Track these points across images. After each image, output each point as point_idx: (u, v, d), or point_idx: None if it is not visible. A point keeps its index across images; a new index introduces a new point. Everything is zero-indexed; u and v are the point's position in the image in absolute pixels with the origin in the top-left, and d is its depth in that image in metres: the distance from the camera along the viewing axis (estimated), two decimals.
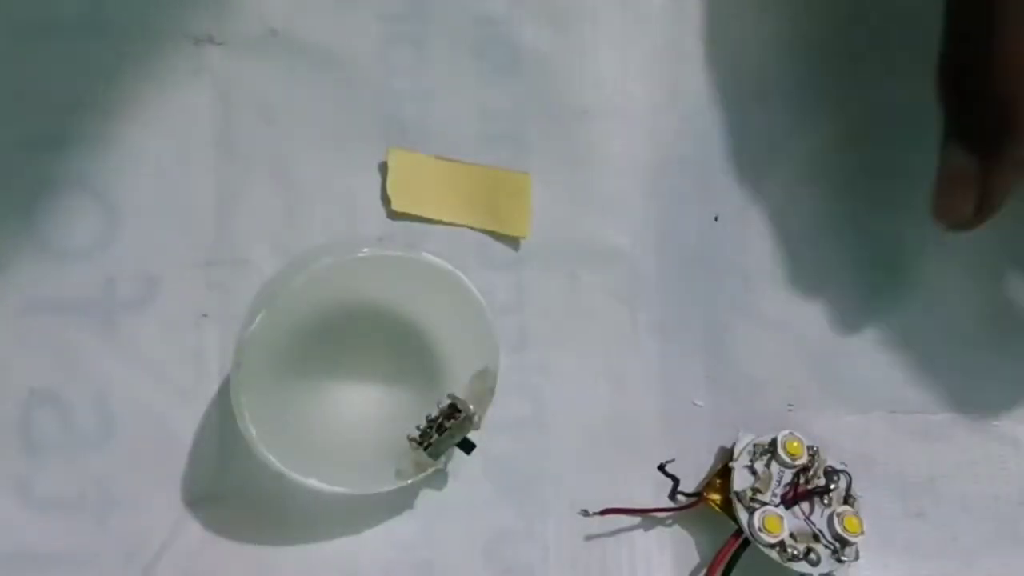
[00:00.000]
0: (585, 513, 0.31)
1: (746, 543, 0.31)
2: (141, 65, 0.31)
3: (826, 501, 0.32)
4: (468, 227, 0.32)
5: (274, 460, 0.28)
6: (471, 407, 0.29)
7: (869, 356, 0.34)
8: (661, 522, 0.32)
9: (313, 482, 0.29)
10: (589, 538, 0.32)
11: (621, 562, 0.32)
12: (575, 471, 0.32)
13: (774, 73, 0.33)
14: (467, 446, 0.30)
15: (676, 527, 0.32)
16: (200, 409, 0.30)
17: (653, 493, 0.32)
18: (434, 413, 0.29)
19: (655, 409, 0.33)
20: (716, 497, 0.32)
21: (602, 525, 0.32)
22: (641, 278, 0.33)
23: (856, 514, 0.32)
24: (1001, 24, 0.27)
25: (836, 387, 0.34)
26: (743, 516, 0.31)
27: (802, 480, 0.32)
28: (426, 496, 0.31)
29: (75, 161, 0.30)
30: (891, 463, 0.32)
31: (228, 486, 0.30)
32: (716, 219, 0.33)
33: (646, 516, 0.32)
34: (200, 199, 0.31)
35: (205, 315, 0.31)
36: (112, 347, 0.30)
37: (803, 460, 0.32)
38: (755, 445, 0.32)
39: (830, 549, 0.31)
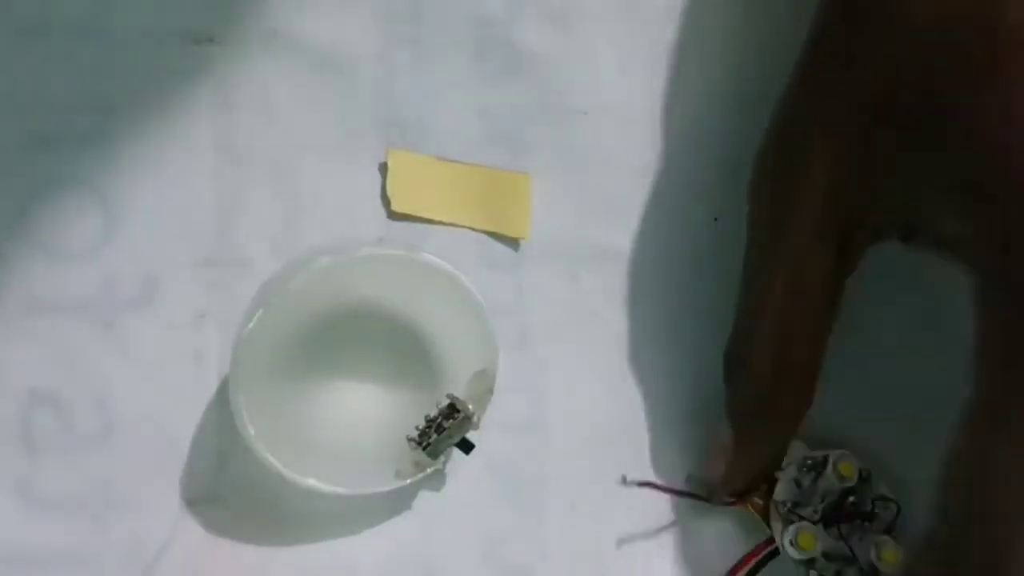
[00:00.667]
0: (624, 481, 0.31)
1: (775, 552, 0.31)
2: (141, 65, 0.31)
3: (867, 527, 0.31)
4: (468, 228, 0.32)
5: (272, 460, 0.28)
6: (470, 407, 0.29)
7: (873, 361, 0.34)
8: (662, 524, 0.32)
9: (312, 482, 0.29)
10: (589, 538, 0.32)
11: (621, 562, 0.32)
12: (575, 471, 0.32)
13: (775, 73, 0.33)
14: (466, 446, 0.30)
15: (678, 529, 0.32)
16: (200, 409, 0.30)
17: (654, 493, 0.32)
18: (433, 413, 0.29)
19: (655, 409, 0.33)
20: (758, 502, 0.31)
21: (602, 525, 0.32)
22: (641, 278, 0.33)
23: (896, 547, 0.31)
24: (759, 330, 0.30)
25: (838, 386, 0.33)
26: (777, 526, 0.31)
27: (848, 500, 0.31)
28: (425, 496, 0.31)
29: (75, 161, 0.30)
30: None
31: (228, 486, 0.30)
32: (716, 220, 0.33)
33: (682, 498, 0.32)
34: (200, 199, 0.31)
35: (205, 315, 0.31)
36: (112, 347, 0.30)
37: (852, 483, 0.31)
38: (806, 458, 0.31)
39: None
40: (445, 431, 0.29)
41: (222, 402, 0.30)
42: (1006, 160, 0.26)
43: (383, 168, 0.32)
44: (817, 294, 0.30)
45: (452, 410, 0.29)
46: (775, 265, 0.30)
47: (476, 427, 0.29)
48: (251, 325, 0.28)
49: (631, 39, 0.33)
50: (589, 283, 0.33)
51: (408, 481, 0.30)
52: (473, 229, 0.32)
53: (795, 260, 0.30)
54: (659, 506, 0.32)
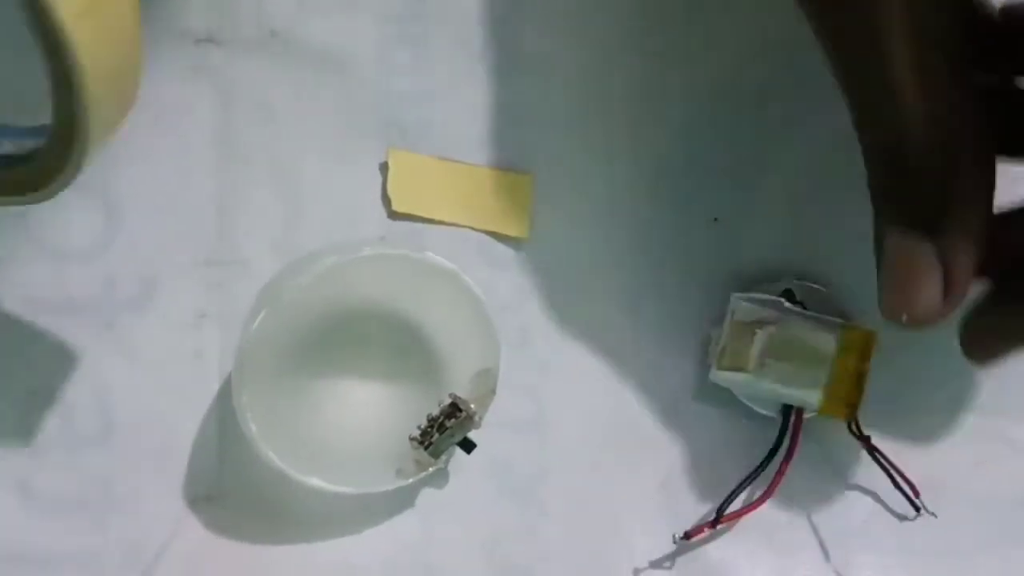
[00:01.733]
0: None
1: None
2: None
3: None
4: (468, 227, 0.32)
5: (276, 460, 0.28)
6: (472, 406, 0.29)
7: None
8: (660, 522, 0.32)
9: (315, 481, 0.29)
10: (589, 539, 0.32)
11: (621, 562, 0.32)
12: (576, 471, 0.32)
13: (774, 73, 0.33)
14: (468, 445, 0.30)
15: (676, 527, 0.32)
16: (200, 409, 0.30)
17: (655, 494, 0.32)
18: (435, 412, 0.29)
19: (656, 409, 0.33)
20: None
21: (602, 524, 0.32)
22: (641, 278, 0.33)
23: None
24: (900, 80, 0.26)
25: None
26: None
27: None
28: (427, 495, 0.31)
29: None
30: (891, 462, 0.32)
31: (228, 486, 0.30)
32: (716, 220, 0.33)
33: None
34: (200, 199, 0.31)
35: (205, 315, 0.31)
36: (112, 347, 0.30)
37: None
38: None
39: None
40: (447, 430, 0.29)
41: (222, 402, 0.30)
42: None
43: (383, 168, 0.32)
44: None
45: (454, 409, 0.29)
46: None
47: (478, 426, 0.30)
48: (255, 326, 0.28)
49: (631, 39, 0.33)
50: (589, 283, 0.33)
51: (410, 480, 0.30)
52: (474, 229, 0.32)
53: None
54: (659, 506, 0.32)
